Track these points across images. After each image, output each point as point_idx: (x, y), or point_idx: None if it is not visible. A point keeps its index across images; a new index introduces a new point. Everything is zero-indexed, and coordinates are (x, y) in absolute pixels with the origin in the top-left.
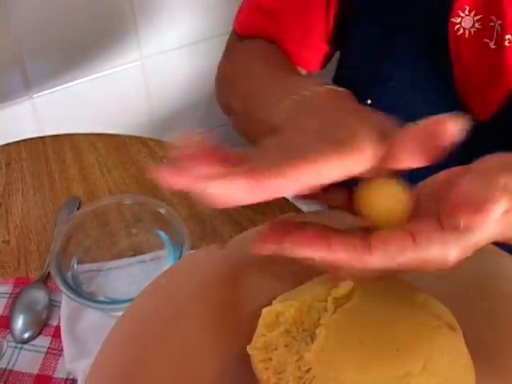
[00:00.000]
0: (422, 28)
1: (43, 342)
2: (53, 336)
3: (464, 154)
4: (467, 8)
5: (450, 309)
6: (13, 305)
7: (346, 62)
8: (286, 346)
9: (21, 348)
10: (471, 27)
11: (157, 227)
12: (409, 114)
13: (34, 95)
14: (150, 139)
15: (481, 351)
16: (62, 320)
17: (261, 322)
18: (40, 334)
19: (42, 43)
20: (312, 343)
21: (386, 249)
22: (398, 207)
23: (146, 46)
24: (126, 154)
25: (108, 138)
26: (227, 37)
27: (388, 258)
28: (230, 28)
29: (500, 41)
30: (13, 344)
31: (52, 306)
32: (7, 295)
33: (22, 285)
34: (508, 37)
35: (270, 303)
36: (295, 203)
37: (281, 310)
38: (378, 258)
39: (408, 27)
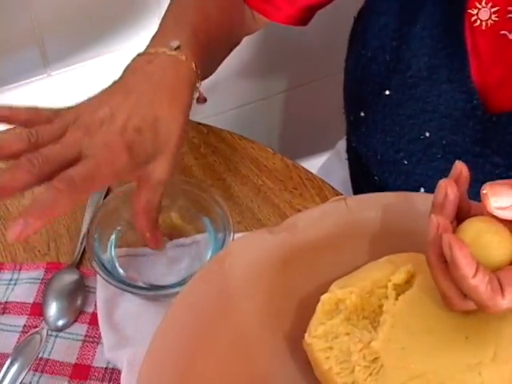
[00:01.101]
0: (440, 18)
1: (79, 329)
2: (89, 323)
3: (487, 146)
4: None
5: None
6: (45, 291)
7: (361, 54)
8: (347, 334)
9: (56, 336)
10: (488, 19)
11: (195, 210)
12: (425, 105)
13: (53, 73)
14: None
15: None
16: (98, 307)
17: (319, 309)
18: (76, 321)
19: (61, 20)
20: (375, 331)
21: None
22: (503, 245)
23: None
24: None
25: None
26: None
27: None
28: None
29: None
30: (48, 332)
31: (86, 292)
32: (39, 281)
33: (53, 270)
34: None
35: (320, 288)
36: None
37: (341, 297)
38: (508, 301)
39: (426, 17)
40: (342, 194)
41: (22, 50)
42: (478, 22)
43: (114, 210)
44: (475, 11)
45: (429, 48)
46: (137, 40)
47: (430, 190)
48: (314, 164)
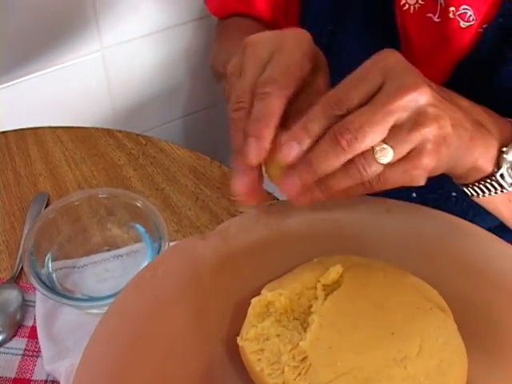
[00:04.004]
0: (372, 2)
1: (19, 344)
2: (28, 337)
3: None
4: None
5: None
6: None
7: None
8: (277, 335)
9: None
10: (415, 3)
11: (132, 220)
12: None
13: None
14: (118, 131)
15: (468, 331)
16: (37, 320)
17: (250, 312)
18: (15, 335)
19: (1, 35)
20: (305, 332)
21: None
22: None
23: (107, 37)
24: (93, 146)
25: (74, 130)
26: (189, 26)
27: None
28: (192, 17)
29: (444, 14)
30: None
31: (26, 306)
32: None
33: None
34: (452, 9)
35: (255, 292)
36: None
37: (271, 300)
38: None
39: (360, 1)
40: (278, 199)
41: None
42: (407, 6)
43: (52, 223)
44: None
45: (362, 31)
46: (77, 54)
47: None
48: None
